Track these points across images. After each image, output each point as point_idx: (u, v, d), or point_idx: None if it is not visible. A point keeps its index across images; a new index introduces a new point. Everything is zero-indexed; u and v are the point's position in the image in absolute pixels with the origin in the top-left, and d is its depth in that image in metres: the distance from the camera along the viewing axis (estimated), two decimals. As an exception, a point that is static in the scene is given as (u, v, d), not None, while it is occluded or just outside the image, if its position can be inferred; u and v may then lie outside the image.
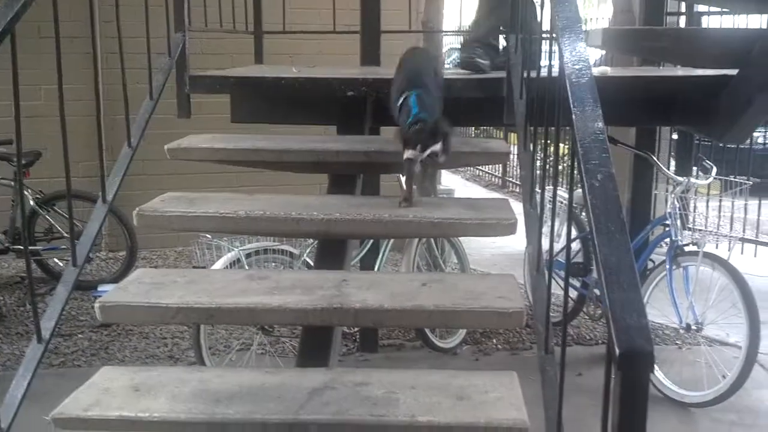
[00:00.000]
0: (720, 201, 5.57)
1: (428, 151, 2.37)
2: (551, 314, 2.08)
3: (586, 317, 4.94)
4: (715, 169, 4.32)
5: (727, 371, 3.87)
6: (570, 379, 4.28)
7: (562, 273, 3.43)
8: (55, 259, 5.63)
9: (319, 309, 2.15)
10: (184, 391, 2.01)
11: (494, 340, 4.87)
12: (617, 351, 1.03)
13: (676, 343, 4.69)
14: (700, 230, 4.30)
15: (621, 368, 1.03)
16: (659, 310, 4.29)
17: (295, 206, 2.52)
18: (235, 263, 3.91)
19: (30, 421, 3.13)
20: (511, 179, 10.15)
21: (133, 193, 4.02)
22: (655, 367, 4.06)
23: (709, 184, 4.43)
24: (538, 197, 2.43)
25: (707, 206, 4.62)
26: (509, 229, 2.44)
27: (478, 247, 6.26)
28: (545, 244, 2.54)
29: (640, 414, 1.04)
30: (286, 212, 2.47)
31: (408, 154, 2.39)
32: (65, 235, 5.42)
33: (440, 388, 2.05)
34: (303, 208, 2.49)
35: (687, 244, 4.05)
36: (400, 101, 2.58)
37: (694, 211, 4.42)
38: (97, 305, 2.11)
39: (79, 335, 4.80)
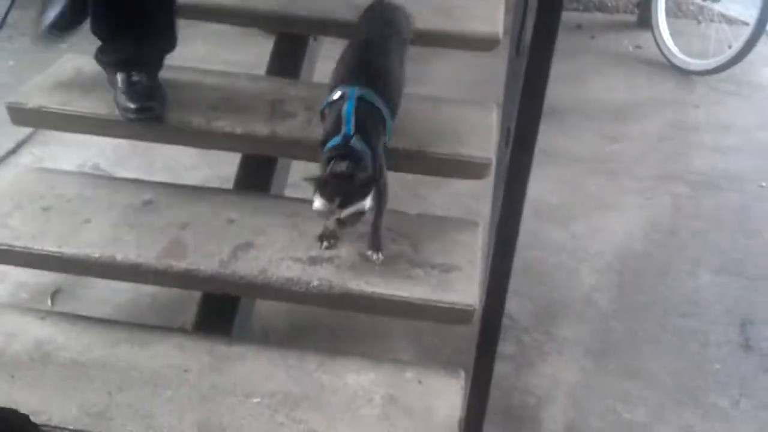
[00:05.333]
0: None
1: (350, 210, 1.51)
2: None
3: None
4: None
5: (735, 44, 3.93)
6: (582, 39, 4.41)
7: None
8: None
9: None
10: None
11: None
12: None
13: (698, 18, 4.69)
14: None
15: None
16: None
17: None
18: None
19: None
20: None
21: None
22: (667, 36, 4.14)
23: None
24: None
25: None
26: None
27: None
28: None
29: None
30: None
31: (318, 204, 1.52)
32: None
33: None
34: None
35: None
36: (330, 99, 1.67)
37: None
38: None
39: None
